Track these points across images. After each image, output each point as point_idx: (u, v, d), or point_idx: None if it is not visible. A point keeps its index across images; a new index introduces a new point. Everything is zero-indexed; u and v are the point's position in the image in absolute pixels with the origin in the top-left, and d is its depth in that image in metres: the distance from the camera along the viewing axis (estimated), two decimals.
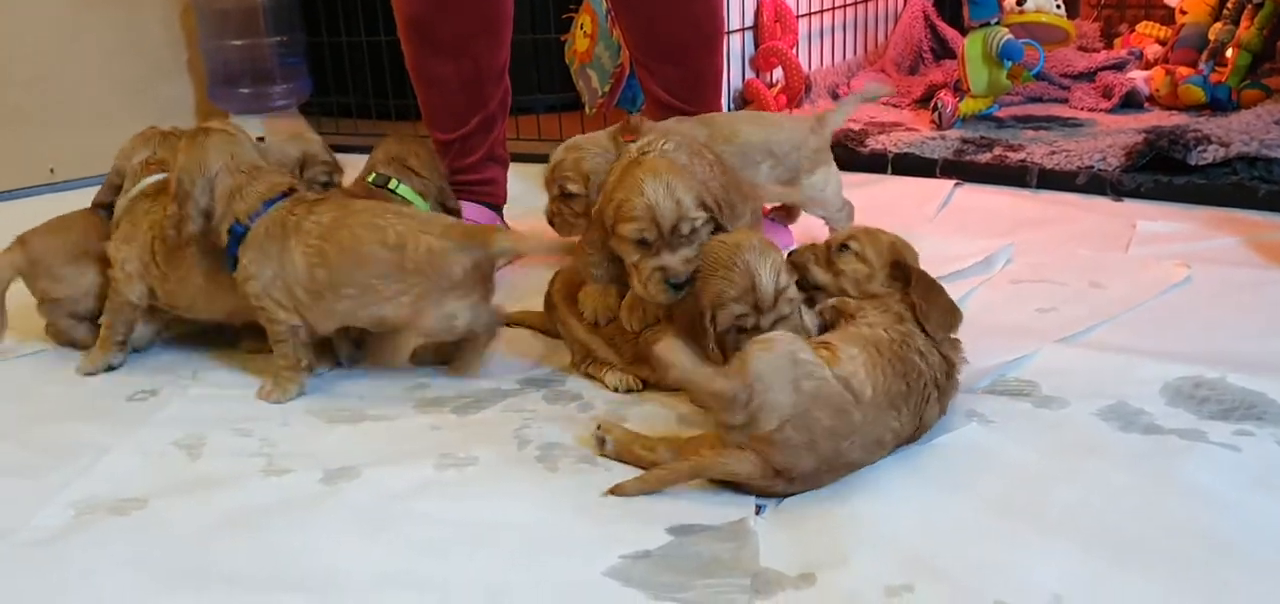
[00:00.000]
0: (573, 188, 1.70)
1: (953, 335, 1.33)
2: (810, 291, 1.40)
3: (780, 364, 1.15)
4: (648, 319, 1.43)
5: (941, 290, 1.34)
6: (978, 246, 1.98)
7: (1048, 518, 1.11)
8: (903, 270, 1.35)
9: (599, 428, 1.30)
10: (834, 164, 1.92)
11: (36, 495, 1.25)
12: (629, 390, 1.48)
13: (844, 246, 1.39)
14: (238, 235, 1.50)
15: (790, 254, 1.41)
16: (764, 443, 1.14)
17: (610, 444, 1.28)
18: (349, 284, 1.47)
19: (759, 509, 1.16)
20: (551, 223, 1.76)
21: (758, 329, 1.28)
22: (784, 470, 1.15)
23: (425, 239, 1.46)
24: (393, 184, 1.72)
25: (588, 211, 1.71)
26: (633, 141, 1.74)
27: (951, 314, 1.33)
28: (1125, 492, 1.16)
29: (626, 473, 1.24)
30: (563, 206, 1.72)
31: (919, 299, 1.31)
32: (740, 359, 1.17)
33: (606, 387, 1.49)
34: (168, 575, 1.09)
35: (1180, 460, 1.22)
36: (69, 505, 1.23)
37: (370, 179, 1.80)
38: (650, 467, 1.23)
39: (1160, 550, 1.05)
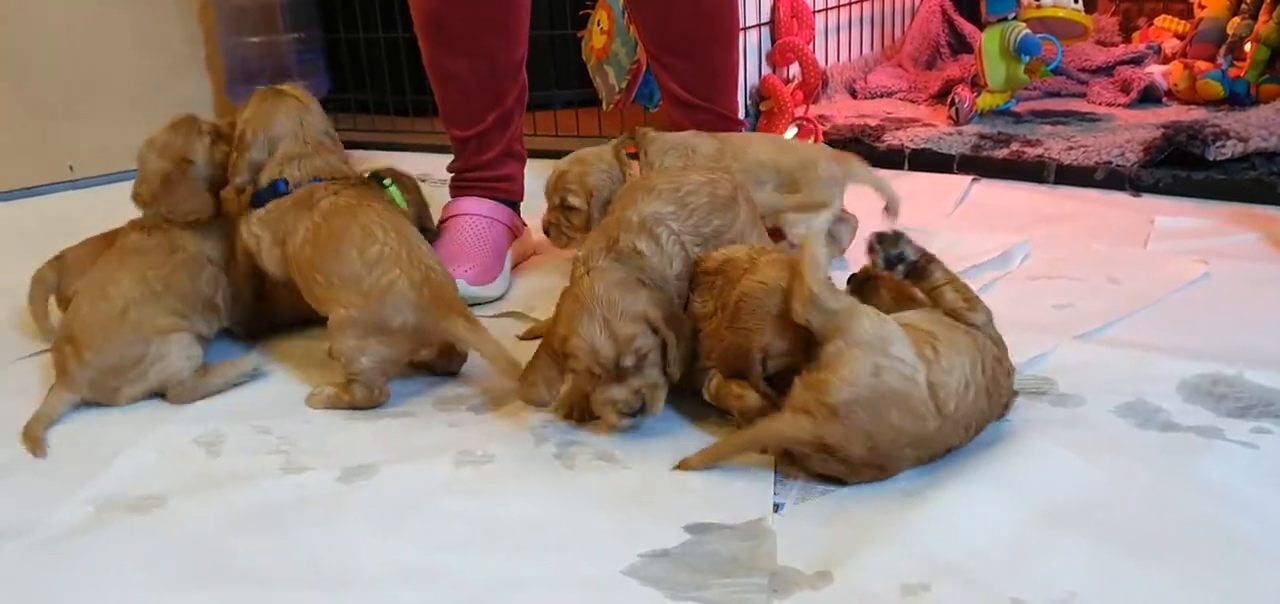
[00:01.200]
0: (574, 201, 1.72)
1: None
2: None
3: (877, 341, 1.14)
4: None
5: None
6: (994, 242, 1.97)
7: (1064, 515, 1.11)
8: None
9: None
10: (839, 203, 1.89)
11: (55, 493, 1.26)
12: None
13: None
14: (278, 192, 1.55)
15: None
16: (826, 410, 1.13)
17: (713, 382, 1.32)
18: (321, 272, 1.49)
19: (777, 507, 1.16)
20: (547, 232, 1.79)
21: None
22: (833, 447, 1.14)
23: (392, 276, 1.45)
24: (387, 183, 1.72)
25: (587, 227, 1.73)
26: (635, 155, 1.75)
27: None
28: (1142, 489, 1.16)
29: (647, 472, 1.25)
30: (562, 218, 1.75)
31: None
32: (851, 299, 1.20)
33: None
34: (186, 573, 1.10)
35: (1197, 458, 1.22)
36: (88, 502, 1.24)
37: (369, 173, 1.79)
38: (743, 411, 1.26)
39: (1177, 547, 1.05)
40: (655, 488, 1.21)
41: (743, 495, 1.18)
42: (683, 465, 1.24)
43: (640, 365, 1.29)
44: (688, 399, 1.42)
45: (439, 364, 1.55)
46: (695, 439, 1.32)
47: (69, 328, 1.52)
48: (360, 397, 1.46)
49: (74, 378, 1.49)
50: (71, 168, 2.93)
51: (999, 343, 1.28)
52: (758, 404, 1.26)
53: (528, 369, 1.37)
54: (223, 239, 1.66)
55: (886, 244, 1.30)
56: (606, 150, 1.81)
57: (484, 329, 1.48)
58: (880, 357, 1.13)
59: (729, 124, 2.10)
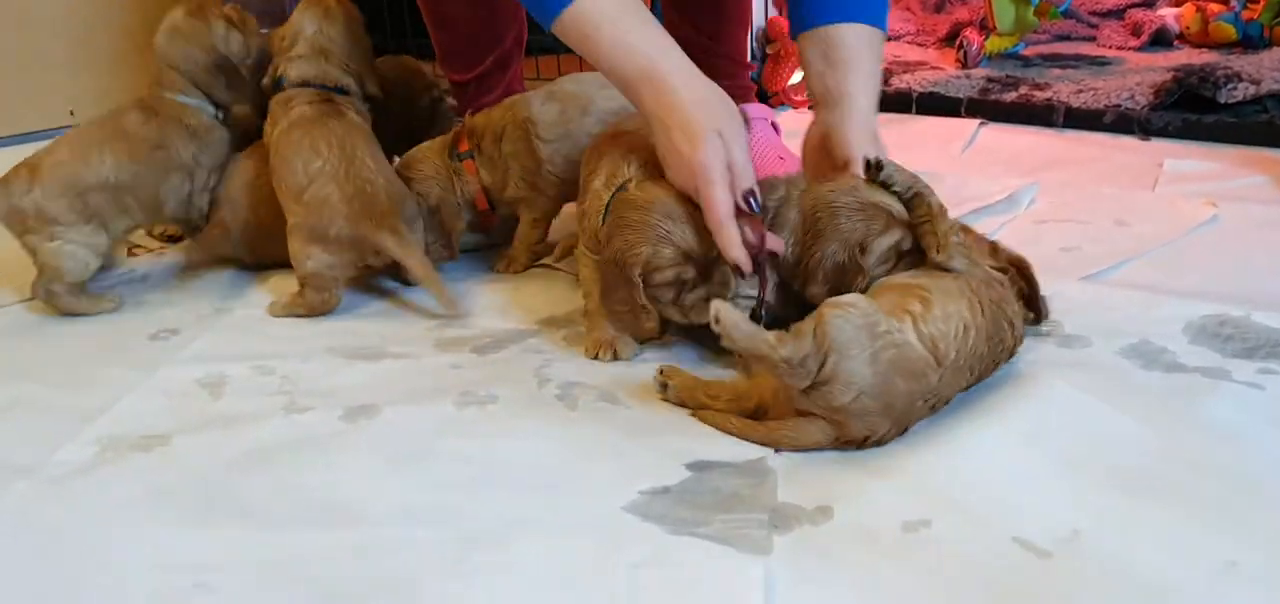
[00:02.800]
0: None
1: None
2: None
3: (859, 335, 1.10)
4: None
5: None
6: (1002, 186, 1.96)
7: (1068, 455, 1.11)
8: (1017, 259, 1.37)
9: (660, 372, 1.28)
10: None
11: (60, 433, 1.26)
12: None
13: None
14: (279, 88, 1.69)
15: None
16: (839, 413, 1.10)
17: (673, 390, 1.26)
18: (277, 178, 1.60)
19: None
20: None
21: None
22: (861, 439, 1.12)
23: (327, 191, 1.55)
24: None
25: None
26: (467, 153, 1.69)
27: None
28: (1147, 429, 1.15)
29: (649, 412, 1.24)
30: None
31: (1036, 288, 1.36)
32: (814, 320, 1.11)
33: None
34: (191, 509, 1.10)
35: (1202, 398, 1.21)
36: (93, 442, 1.24)
37: None
38: (713, 407, 1.22)
39: (1181, 487, 1.05)
40: (657, 427, 1.21)
41: None
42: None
43: (717, 261, 1.30)
44: (690, 347, 1.42)
45: (398, 273, 1.65)
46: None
47: (41, 156, 1.61)
48: (312, 301, 1.57)
49: (12, 192, 1.59)
50: (72, 113, 2.92)
51: (1002, 284, 1.27)
52: (728, 403, 1.22)
53: (592, 324, 1.41)
54: (222, 149, 1.73)
55: (869, 171, 1.30)
56: (432, 153, 1.72)
57: (413, 244, 1.57)
58: (870, 343, 1.10)
59: (737, 67, 2.08)
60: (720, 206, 1.27)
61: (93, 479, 1.16)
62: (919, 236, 1.26)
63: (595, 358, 1.40)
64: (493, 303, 1.61)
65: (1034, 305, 1.39)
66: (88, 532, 1.07)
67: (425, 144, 1.74)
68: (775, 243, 1.31)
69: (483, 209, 1.72)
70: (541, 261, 1.77)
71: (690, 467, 1.12)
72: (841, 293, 1.20)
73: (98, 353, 1.50)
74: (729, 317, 1.10)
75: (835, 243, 1.29)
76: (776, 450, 1.15)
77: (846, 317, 1.11)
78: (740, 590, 0.93)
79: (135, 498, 1.12)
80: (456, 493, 1.11)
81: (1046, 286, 1.49)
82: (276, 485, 1.13)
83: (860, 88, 1.44)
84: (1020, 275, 1.38)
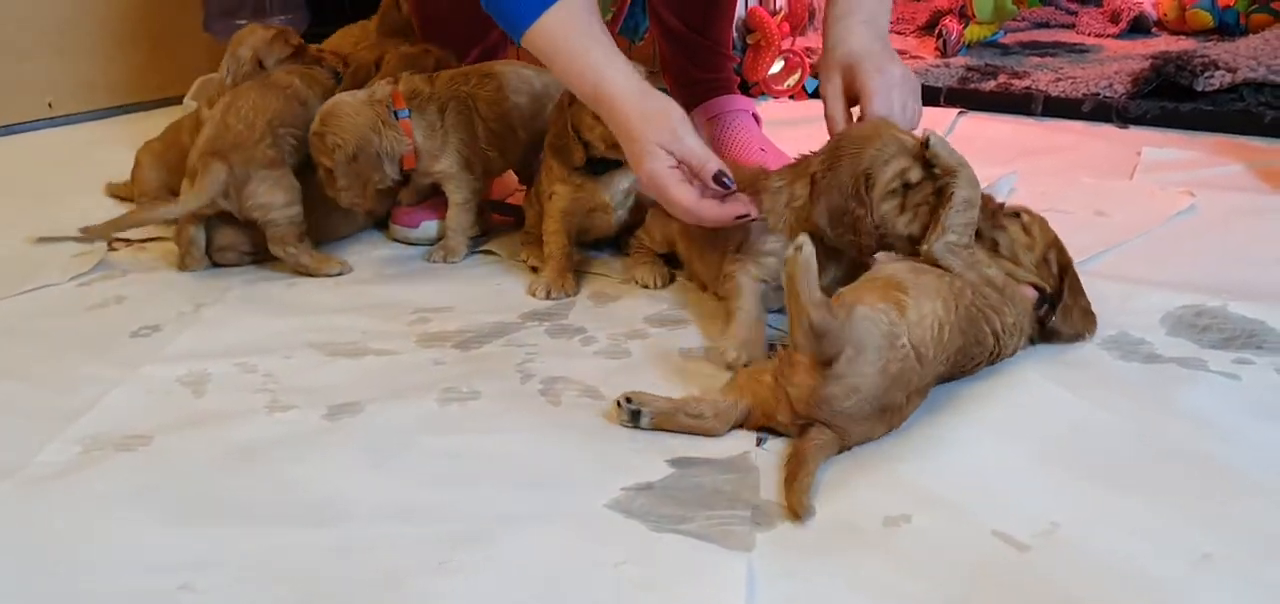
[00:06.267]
0: (326, 161, 1.69)
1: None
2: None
3: (881, 343, 1.11)
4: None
5: (1084, 293, 1.35)
6: (981, 175, 1.95)
7: (1047, 447, 1.12)
8: (1062, 256, 1.35)
9: (629, 401, 1.19)
10: None
11: (42, 432, 1.25)
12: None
13: (1016, 214, 1.38)
14: None
15: None
16: (843, 418, 1.10)
17: (647, 417, 1.18)
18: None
19: (760, 441, 1.17)
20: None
21: (925, 182, 1.31)
22: (859, 441, 1.13)
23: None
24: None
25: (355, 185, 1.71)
26: (402, 111, 1.71)
27: (1089, 320, 1.34)
28: (1124, 420, 1.17)
29: None
30: (326, 180, 1.72)
31: (1068, 294, 1.32)
32: (846, 308, 1.12)
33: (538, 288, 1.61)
34: (174, 509, 1.10)
35: (1180, 389, 1.22)
36: (75, 442, 1.23)
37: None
38: (699, 429, 1.17)
39: (1158, 478, 1.06)
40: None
41: None
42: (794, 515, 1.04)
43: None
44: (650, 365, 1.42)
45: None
46: (681, 377, 1.33)
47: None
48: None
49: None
50: (50, 105, 2.90)
51: (1001, 294, 1.26)
52: (709, 414, 1.19)
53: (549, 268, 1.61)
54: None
55: (919, 147, 1.33)
56: (357, 100, 1.73)
57: (211, 183, 1.67)
58: (888, 352, 1.11)
59: (721, 58, 2.08)
60: (683, 202, 1.40)
61: (75, 479, 1.16)
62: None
63: (547, 296, 1.60)
64: (475, 296, 1.61)
65: (1058, 318, 1.33)
66: (71, 533, 1.07)
67: (347, 95, 1.76)
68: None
69: (410, 168, 1.75)
70: (482, 248, 1.81)
71: (672, 463, 1.13)
72: (847, 228, 1.31)
73: (79, 350, 1.49)
74: (809, 248, 1.05)
75: (846, 172, 1.33)
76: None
77: (876, 320, 1.12)
78: (723, 587, 0.94)
79: (118, 498, 1.12)
80: (440, 491, 1.11)
81: None
82: (260, 484, 1.13)
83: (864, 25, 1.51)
84: (1059, 280, 1.34)
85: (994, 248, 1.34)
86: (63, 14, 2.90)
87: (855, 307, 1.12)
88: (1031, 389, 1.23)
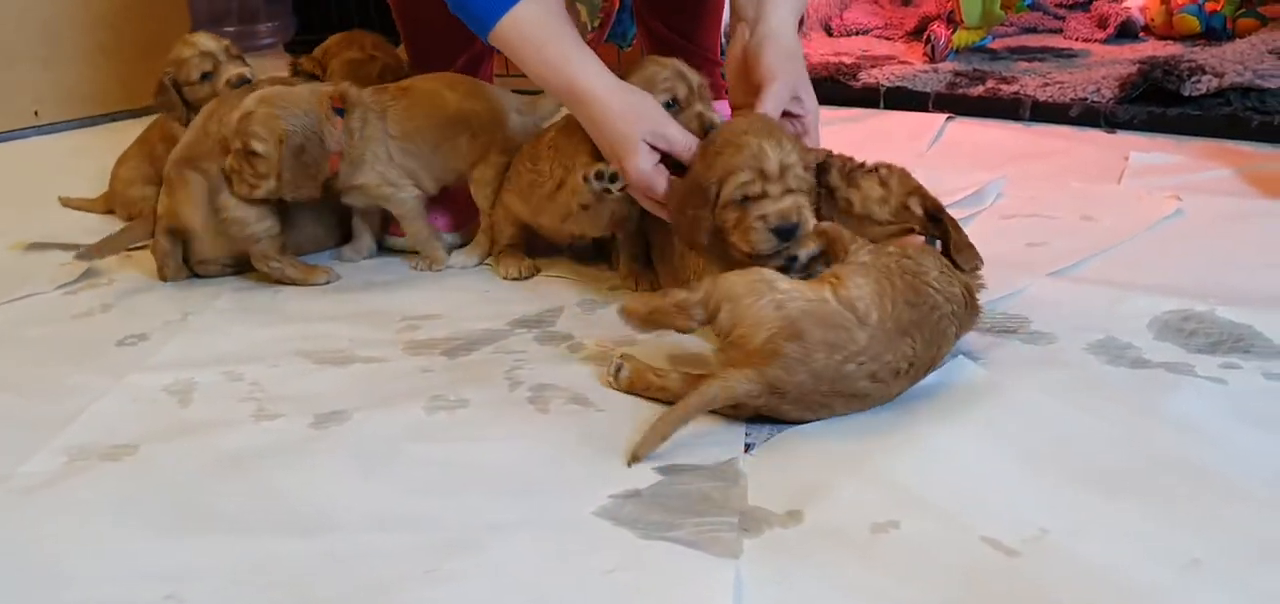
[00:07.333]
0: (260, 147, 1.61)
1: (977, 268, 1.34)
2: (822, 191, 1.42)
3: (754, 285, 1.18)
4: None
5: (961, 228, 1.36)
6: (969, 180, 1.97)
7: (1035, 452, 1.12)
8: (926, 200, 1.36)
9: (619, 356, 1.31)
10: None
11: (27, 442, 1.25)
12: (521, 277, 1.69)
13: (873, 169, 1.41)
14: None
15: (818, 151, 1.45)
16: (758, 357, 1.15)
17: (625, 372, 1.29)
18: None
19: (748, 447, 1.16)
20: (228, 180, 1.66)
21: (764, 197, 1.32)
22: (778, 386, 1.15)
23: None
24: None
25: (277, 175, 1.63)
26: (341, 110, 1.67)
27: (975, 251, 1.35)
28: (1112, 425, 1.17)
29: (620, 415, 1.24)
30: (245, 164, 1.63)
31: (953, 230, 1.33)
32: (710, 278, 1.22)
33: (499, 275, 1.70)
34: (161, 519, 1.09)
35: (1167, 394, 1.23)
36: (61, 452, 1.23)
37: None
38: (662, 392, 1.26)
39: (1146, 483, 1.06)
40: (628, 430, 1.21)
41: (714, 436, 1.19)
42: (633, 458, 1.14)
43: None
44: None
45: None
46: None
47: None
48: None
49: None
50: (36, 113, 2.89)
51: (916, 263, 1.26)
52: (676, 383, 1.27)
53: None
54: None
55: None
56: (304, 91, 1.70)
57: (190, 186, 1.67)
58: (769, 292, 1.18)
59: (710, 65, 2.08)
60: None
61: (61, 489, 1.15)
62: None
63: (505, 277, 1.69)
64: (464, 303, 1.61)
65: (952, 252, 1.34)
66: (56, 543, 1.06)
67: (297, 88, 1.74)
68: None
69: (334, 170, 1.69)
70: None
71: (660, 470, 1.13)
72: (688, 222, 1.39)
73: (65, 359, 1.48)
74: (631, 305, 1.28)
75: (712, 177, 1.36)
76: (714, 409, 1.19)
77: (742, 274, 1.21)
78: (711, 593, 0.94)
79: (104, 508, 1.12)
80: (428, 499, 1.10)
81: (1013, 282, 1.51)
82: (247, 494, 1.13)
83: (780, 6, 1.51)
84: (935, 226, 1.37)
85: (848, 207, 1.39)
86: (49, 22, 2.89)
87: (710, 277, 1.23)
88: (1019, 394, 1.23)
